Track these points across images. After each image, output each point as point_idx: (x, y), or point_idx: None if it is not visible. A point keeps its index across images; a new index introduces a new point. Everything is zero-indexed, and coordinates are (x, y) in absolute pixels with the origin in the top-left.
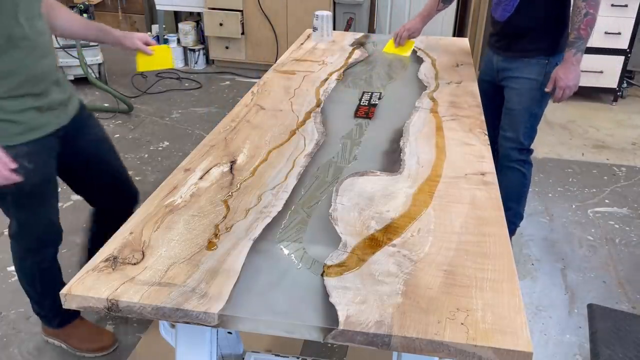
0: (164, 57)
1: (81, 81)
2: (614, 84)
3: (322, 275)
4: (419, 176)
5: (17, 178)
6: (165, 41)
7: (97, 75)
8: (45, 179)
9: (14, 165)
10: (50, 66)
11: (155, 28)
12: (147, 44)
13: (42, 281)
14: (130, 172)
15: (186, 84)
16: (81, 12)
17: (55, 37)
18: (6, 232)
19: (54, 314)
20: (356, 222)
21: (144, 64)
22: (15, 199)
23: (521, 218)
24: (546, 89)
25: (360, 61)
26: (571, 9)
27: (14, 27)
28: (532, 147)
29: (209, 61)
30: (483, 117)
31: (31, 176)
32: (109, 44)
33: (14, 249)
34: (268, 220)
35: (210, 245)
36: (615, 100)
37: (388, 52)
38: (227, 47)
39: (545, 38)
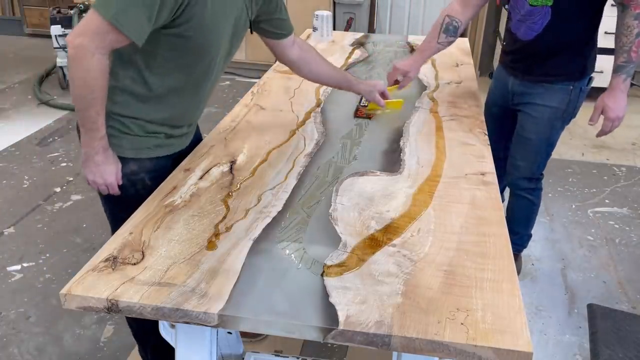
0: (395, 104)
1: None
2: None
3: (322, 275)
4: (419, 176)
5: (117, 190)
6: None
7: None
8: None
9: (119, 180)
10: (201, 112)
11: None
12: (383, 95)
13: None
14: None
15: None
16: (81, 11)
17: (56, 37)
18: (6, 232)
19: None
20: (356, 222)
21: (374, 106)
22: (129, 212)
23: (529, 239)
24: (590, 122)
25: (360, 61)
26: (617, 27)
27: (205, 70)
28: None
29: None
30: (483, 117)
31: (148, 193)
32: (351, 91)
33: (133, 331)
34: (268, 220)
35: (210, 245)
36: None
37: (373, 109)
38: None
39: (573, 61)
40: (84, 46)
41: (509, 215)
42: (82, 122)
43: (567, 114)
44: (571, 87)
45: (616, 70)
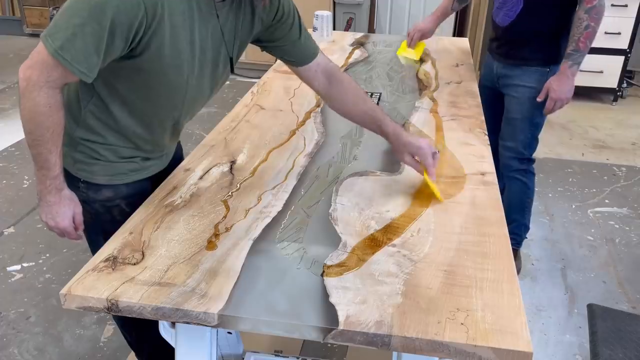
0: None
1: None
2: (614, 84)
3: (322, 275)
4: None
5: (74, 236)
6: None
7: None
8: None
9: (81, 227)
10: (177, 140)
11: None
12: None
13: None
14: None
15: None
16: None
17: None
18: (6, 232)
19: None
20: (356, 222)
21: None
22: (105, 238)
23: (527, 229)
24: (538, 99)
25: (360, 61)
26: (573, 20)
27: (171, 105)
28: (533, 156)
29: None
30: (483, 117)
31: (126, 218)
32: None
33: (127, 339)
34: (268, 220)
35: (210, 245)
36: (615, 100)
37: (400, 54)
38: None
39: (547, 47)
40: (32, 80)
41: (505, 204)
42: (34, 159)
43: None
44: (547, 69)
45: (565, 57)
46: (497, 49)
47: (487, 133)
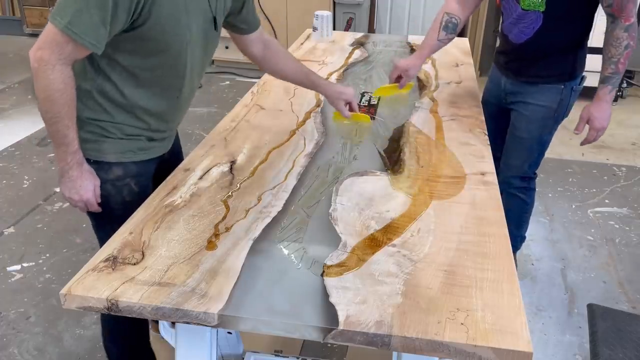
0: (362, 117)
1: None
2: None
3: (322, 275)
4: (419, 176)
5: (96, 207)
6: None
7: None
8: None
9: (99, 199)
10: (183, 115)
11: None
12: (350, 108)
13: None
14: None
15: None
16: None
17: None
18: (6, 232)
19: None
20: (356, 222)
21: (338, 115)
22: (118, 223)
23: (522, 240)
24: (576, 131)
25: (360, 61)
26: (606, 38)
27: (175, 73)
28: (536, 172)
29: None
30: (483, 117)
31: (135, 201)
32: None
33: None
34: (268, 220)
35: (210, 245)
36: (615, 100)
37: (388, 94)
38: (227, 47)
39: (563, 63)
40: (44, 59)
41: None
42: (52, 136)
43: (559, 113)
44: (562, 86)
45: (603, 81)
46: (507, 64)
47: (486, 133)
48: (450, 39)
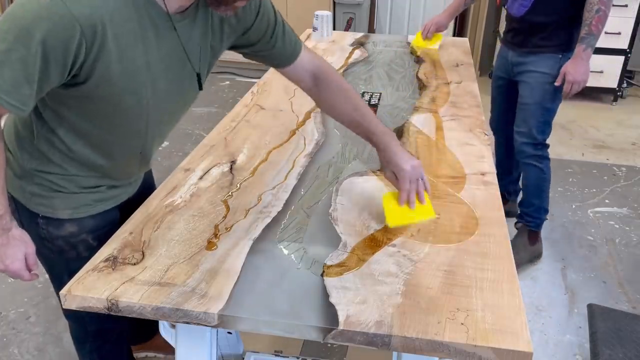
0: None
1: None
2: (614, 84)
3: (322, 275)
4: None
5: (27, 278)
6: None
7: None
8: None
9: (35, 267)
10: (146, 166)
11: None
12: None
13: None
14: None
15: None
16: None
17: None
18: None
19: None
20: (356, 222)
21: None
22: (71, 275)
23: (546, 212)
24: (555, 83)
25: (360, 61)
26: (585, 4)
27: (133, 132)
28: (547, 141)
29: None
30: (483, 117)
31: (93, 254)
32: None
33: (73, 332)
34: (268, 220)
35: (210, 245)
36: (615, 100)
37: (417, 45)
38: None
39: (560, 34)
40: None
41: (523, 188)
42: None
43: (555, 78)
44: (560, 56)
45: (579, 41)
46: (513, 38)
47: (488, 131)
48: (474, 1)
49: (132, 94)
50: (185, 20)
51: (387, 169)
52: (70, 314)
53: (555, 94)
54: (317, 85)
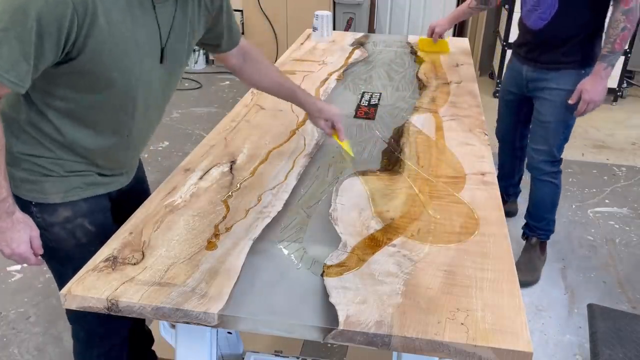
0: (345, 148)
1: None
2: (614, 84)
3: (322, 275)
4: (419, 176)
5: (33, 261)
6: None
7: None
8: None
9: (40, 250)
10: (137, 155)
11: None
12: (336, 130)
13: None
14: None
15: (186, 84)
16: None
17: None
18: None
19: None
20: (356, 222)
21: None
22: (79, 265)
23: (554, 223)
24: (570, 101)
25: (360, 61)
26: (608, 20)
27: (123, 111)
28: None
29: (208, 61)
30: (483, 117)
31: (94, 242)
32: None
33: (75, 336)
34: (268, 220)
35: (210, 245)
36: (615, 100)
37: (428, 51)
38: None
39: (582, 48)
40: None
41: (535, 202)
42: None
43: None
44: (583, 71)
45: (600, 58)
46: (528, 52)
47: (487, 133)
48: (482, 9)
49: (121, 69)
50: (168, 1)
51: (319, 118)
52: (72, 316)
53: (575, 109)
54: (245, 60)
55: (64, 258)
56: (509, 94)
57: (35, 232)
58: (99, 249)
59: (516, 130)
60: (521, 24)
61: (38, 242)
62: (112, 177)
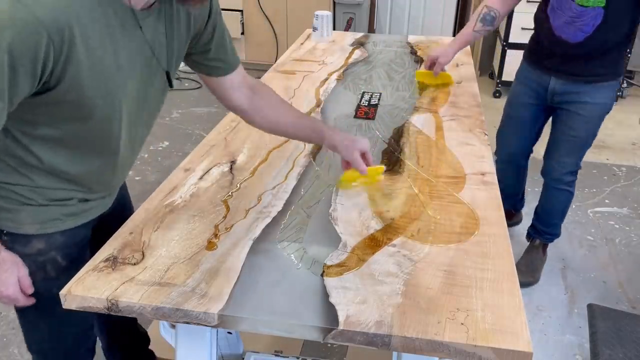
0: (372, 175)
1: None
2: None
3: (322, 275)
4: (419, 176)
5: (25, 302)
6: None
7: None
8: None
9: (30, 290)
10: (121, 177)
11: None
12: (364, 157)
13: None
14: (130, 172)
15: (186, 84)
16: None
17: None
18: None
19: None
20: (356, 222)
21: (349, 177)
22: (42, 307)
23: (560, 227)
24: None
25: (360, 61)
26: None
27: (107, 136)
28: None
29: None
30: (483, 117)
31: (61, 278)
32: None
33: None
34: (268, 220)
35: (210, 245)
36: (615, 100)
37: (430, 84)
38: None
39: (617, 59)
40: None
41: (546, 209)
42: None
43: (611, 107)
44: (615, 83)
45: None
46: (561, 65)
47: (487, 133)
48: (488, 31)
49: (103, 96)
50: (151, 16)
51: (352, 150)
52: (37, 349)
53: None
54: (254, 94)
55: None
56: (527, 106)
57: (24, 272)
58: (65, 283)
59: (527, 150)
60: (549, 34)
61: (27, 282)
62: (95, 201)
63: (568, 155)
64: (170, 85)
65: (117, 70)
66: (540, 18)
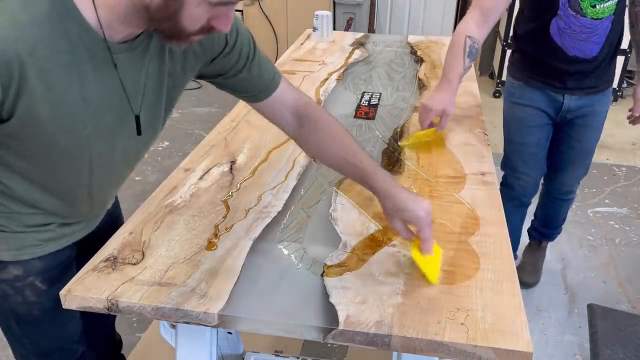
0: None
1: None
2: (614, 84)
3: (322, 275)
4: (419, 176)
5: None
6: None
7: None
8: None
9: None
10: (103, 208)
11: None
12: (420, 239)
13: None
14: None
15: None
16: None
17: None
18: None
19: None
20: (356, 222)
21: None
22: (25, 326)
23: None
24: (637, 114)
25: (360, 61)
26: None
27: (76, 174)
28: None
29: None
30: (483, 117)
31: (42, 300)
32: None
33: None
34: (268, 220)
35: (210, 245)
36: (615, 100)
37: (417, 139)
38: None
39: (615, 63)
40: None
41: (551, 215)
42: None
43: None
44: (611, 87)
45: None
46: (575, 82)
47: (487, 133)
48: (472, 65)
49: (66, 131)
50: (136, 49)
51: (396, 218)
52: None
53: None
54: (301, 125)
55: (9, 313)
56: (537, 128)
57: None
58: (47, 304)
59: (546, 157)
60: (560, 56)
61: None
62: (77, 224)
63: (580, 167)
64: (139, 132)
65: (84, 105)
66: (542, 43)
